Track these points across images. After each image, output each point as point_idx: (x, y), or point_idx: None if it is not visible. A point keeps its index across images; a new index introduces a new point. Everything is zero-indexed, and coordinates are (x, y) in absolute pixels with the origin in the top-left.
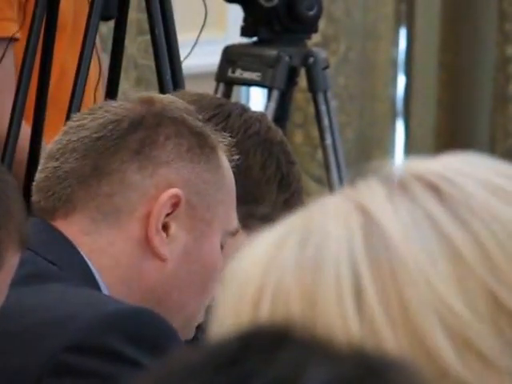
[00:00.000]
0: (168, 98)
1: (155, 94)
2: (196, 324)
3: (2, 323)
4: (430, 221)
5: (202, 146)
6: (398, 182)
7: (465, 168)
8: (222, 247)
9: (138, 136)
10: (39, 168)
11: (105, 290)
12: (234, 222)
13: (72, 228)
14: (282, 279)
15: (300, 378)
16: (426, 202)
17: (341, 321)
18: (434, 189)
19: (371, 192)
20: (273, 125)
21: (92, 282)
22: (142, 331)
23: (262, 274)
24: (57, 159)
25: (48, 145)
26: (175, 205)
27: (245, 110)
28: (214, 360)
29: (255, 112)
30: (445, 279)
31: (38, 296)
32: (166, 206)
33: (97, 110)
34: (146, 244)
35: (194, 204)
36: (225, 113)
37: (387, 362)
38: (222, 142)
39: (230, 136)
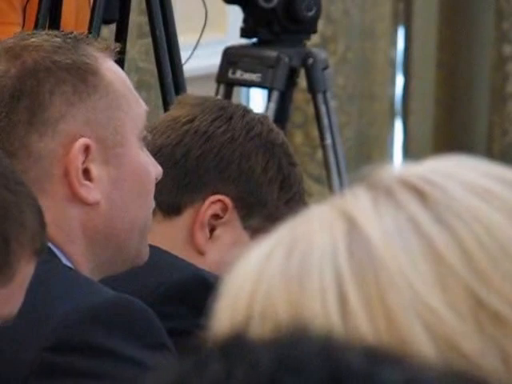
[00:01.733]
0: (34, 42)
1: (20, 42)
2: (149, 229)
3: None
4: (413, 224)
5: (84, 79)
6: (383, 187)
7: (450, 170)
8: (144, 140)
9: (24, 104)
10: None
11: (62, 257)
12: (141, 117)
13: None
14: (270, 289)
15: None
16: (409, 206)
17: (326, 327)
18: (419, 193)
19: (356, 199)
20: (274, 127)
21: (50, 253)
22: (122, 321)
23: (252, 284)
24: None
25: None
26: (86, 151)
27: (247, 111)
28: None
29: (257, 114)
30: (426, 281)
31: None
32: (79, 158)
33: None
34: (76, 198)
35: (102, 137)
36: (227, 115)
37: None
38: (98, 50)
39: (232, 138)
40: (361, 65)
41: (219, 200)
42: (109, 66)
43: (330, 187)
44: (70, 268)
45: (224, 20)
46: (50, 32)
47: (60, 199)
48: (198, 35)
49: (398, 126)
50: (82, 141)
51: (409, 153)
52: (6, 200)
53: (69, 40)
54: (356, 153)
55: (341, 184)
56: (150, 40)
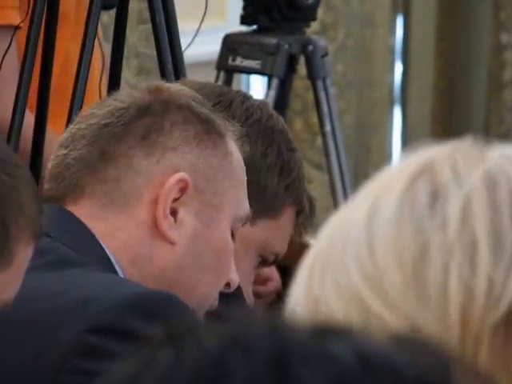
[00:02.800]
0: (176, 86)
1: (163, 83)
2: (207, 308)
3: (26, 308)
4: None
5: (209, 132)
6: None
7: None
8: (232, 234)
9: (145, 122)
10: (51, 158)
11: (120, 274)
12: (244, 208)
13: (82, 212)
14: None
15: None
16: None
17: None
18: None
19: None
20: (274, 113)
21: (108, 265)
22: (162, 312)
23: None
24: (66, 147)
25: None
26: (183, 189)
27: (246, 97)
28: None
29: (257, 100)
30: None
31: (60, 281)
32: (174, 191)
33: (107, 99)
34: (155, 228)
35: (201, 189)
36: (227, 101)
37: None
38: (231, 131)
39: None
40: (360, 52)
41: None
42: (233, 145)
43: (330, 174)
44: None
45: (224, 7)
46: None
47: (140, 222)
48: (198, 22)
49: (397, 112)
50: (182, 175)
51: (407, 140)
52: (5, 184)
53: (209, 104)
54: (355, 140)
55: (340, 170)
56: (150, 26)
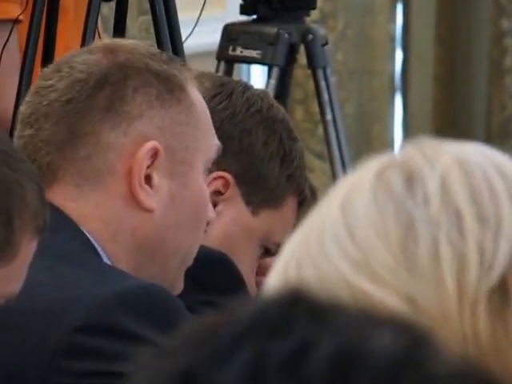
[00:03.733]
0: (131, 44)
1: (118, 41)
2: (190, 263)
3: (16, 304)
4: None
5: (170, 89)
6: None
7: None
8: (208, 173)
9: (106, 93)
10: (16, 134)
11: (102, 253)
12: (213, 148)
13: (58, 197)
14: None
15: (366, 344)
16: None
17: None
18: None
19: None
20: (275, 102)
21: (89, 247)
22: (152, 308)
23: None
24: (31, 126)
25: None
26: (154, 156)
27: (247, 87)
28: (259, 328)
29: (257, 90)
30: None
31: (48, 274)
32: (145, 160)
33: (62, 66)
34: (132, 200)
35: (172, 149)
36: (227, 91)
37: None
38: (190, 75)
39: (233, 114)
40: (360, 41)
41: (220, 176)
42: (195, 92)
43: (331, 163)
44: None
45: None
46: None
47: (116, 196)
48: (198, 12)
49: (398, 100)
50: (152, 144)
51: (409, 128)
52: (8, 177)
53: (164, 54)
54: (356, 128)
55: (342, 159)
56: (150, 17)
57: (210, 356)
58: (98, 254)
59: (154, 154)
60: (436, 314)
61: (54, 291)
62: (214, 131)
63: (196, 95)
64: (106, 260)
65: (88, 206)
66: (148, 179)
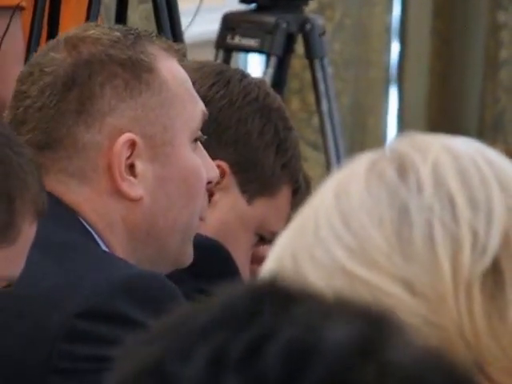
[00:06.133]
0: (94, 34)
1: (81, 33)
2: (195, 232)
3: (15, 287)
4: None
5: (137, 75)
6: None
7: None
8: (196, 140)
9: (74, 95)
10: None
11: (101, 243)
12: (197, 115)
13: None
14: None
15: (321, 334)
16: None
17: None
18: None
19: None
20: (271, 91)
21: (88, 236)
22: (151, 295)
23: None
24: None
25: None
26: (132, 146)
27: (244, 76)
28: (225, 320)
29: (254, 78)
30: None
31: (50, 261)
32: (123, 153)
33: (34, 68)
34: (118, 192)
35: (149, 134)
36: (225, 80)
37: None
38: (160, 48)
39: (230, 103)
40: (357, 31)
41: (217, 165)
42: (168, 66)
43: (326, 153)
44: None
45: None
46: (115, 26)
47: (102, 191)
48: (198, 1)
49: (393, 92)
50: (127, 136)
51: (403, 119)
52: (11, 159)
53: (130, 36)
54: (352, 119)
55: (337, 150)
56: (150, 5)
57: (176, 349)
58: (96, 242)
59: (132, 145)
60: (432, 298)
61: (55, 278)
62: (196, 97)
63: (167, 70)
64: (104, 248)
65: (78, 200)
66: (132, 169)
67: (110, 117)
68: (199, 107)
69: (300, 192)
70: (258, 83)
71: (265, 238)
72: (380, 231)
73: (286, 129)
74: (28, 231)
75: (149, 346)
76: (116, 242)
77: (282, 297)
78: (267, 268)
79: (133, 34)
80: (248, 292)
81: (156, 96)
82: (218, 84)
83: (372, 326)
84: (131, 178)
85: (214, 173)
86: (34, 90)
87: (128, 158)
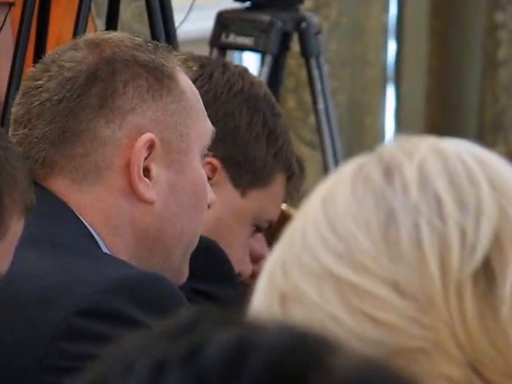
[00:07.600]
0: (116, 36)
1: (102, 35)
2: (192, 249)
3: (13, 285)
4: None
5: (160, 79)
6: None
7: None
8: (205, 157)
9: (97, 90)
10: (9, 134)
11: (102, 246)
12: (208, 132)
13: (55, 188)
14: None
15: (256, 338)
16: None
17: None
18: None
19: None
20: (255, 79)
21: (90, 239)
22: (150, 295)
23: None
24: (25, 126)
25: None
26: (150, 147)
27: (226, 67)
28: (164, 333)
29: (236, 67)
30: None
31: (48, 260)
32: (143, 152)
33: (50, 65)
34: (132, 193)
35: (167, 139)
36: (207, 74)
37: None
38: (177, 60)
39: (215, 97)
40: (353, 30)
41: (207, 162)
42: (185, 78)
43: (323, 152)
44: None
45: None
46: (134, 34)
47: (116, 190)
48: None
49: (390, 91)
50: (149, 136)
51: (401, 119)
52: None
53: (150, 44)
54: (348, 118)
55: (333, 148)
56: (143, 2)
57: (119, 365)
58: (97, 244)
59: (151, 146)
60: (421, 299)
61: (53, 277)
62: (205, 114)
63: (185, 81)
64: (105, 250)
65: (87, 200)
66: (146, 171)
67: (132, 115)
68: (209, 124)
69: (295, 177)
70: (241, 72)
71: (261, 228)
72: (367, 234)
73: (275, 116)
74: (15, 227)
75: (97, 366)
76: (121, 245)
77: (217, 316)
78: (260, 284)
79: (152, 43)
80: (185, 315)
81: (176, 103)
82: (201, 78)
83: (312, 336)
84: (146, 179)
85: (213, 196)
86: (53, 84)
87: (145, 159)
